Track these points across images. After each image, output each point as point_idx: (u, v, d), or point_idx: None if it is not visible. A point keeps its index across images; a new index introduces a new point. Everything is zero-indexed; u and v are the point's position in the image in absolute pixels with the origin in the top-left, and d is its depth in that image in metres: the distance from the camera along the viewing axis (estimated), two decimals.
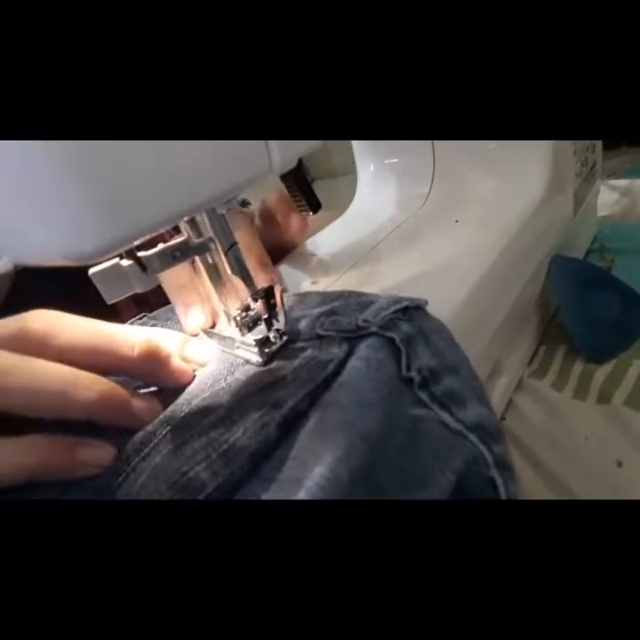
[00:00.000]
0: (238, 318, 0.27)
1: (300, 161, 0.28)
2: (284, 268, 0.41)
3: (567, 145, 0.47)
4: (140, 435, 0.23)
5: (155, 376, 0.26)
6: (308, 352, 0.26)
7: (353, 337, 0.26)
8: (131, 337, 0.25)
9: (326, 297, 0.30)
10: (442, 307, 0.28)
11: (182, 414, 0.24)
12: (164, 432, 0.23)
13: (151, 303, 0.38)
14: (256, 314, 0.27)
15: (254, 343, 0.27)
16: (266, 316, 0.27)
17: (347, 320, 0.27)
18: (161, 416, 0.25)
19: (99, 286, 0.22)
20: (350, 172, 0.54)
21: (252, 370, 0.26)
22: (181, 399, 0.25)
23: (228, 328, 0.29)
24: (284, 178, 0.37)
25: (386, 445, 0.21)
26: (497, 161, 0.46)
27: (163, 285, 0.31)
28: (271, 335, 0.27)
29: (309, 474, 0.18)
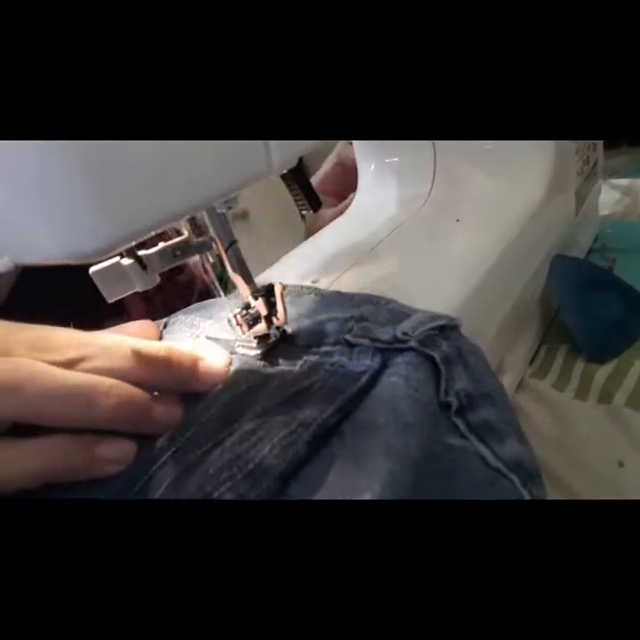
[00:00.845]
0: (238, 316, 0.27)
1: (301, 160, 0.28)
2: (285, 267, 0.41)
3: (569, 144, 0.46)
4: (160, 441, 0.22)
5: (180, 383, 0.25)
6: (336, 358, 0.25)
7: (387, 349, 0.24)
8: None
9: (353, 299, 0.29)
10: (443, 306, 0.28)
11: (202, 421, 0.23)
12: (183, 440, 0.22)
13: (155, 302, 0.38)
14: (256, 312, 0.27)
15: (254, 340, 0.27)
16: (266, 313, 0.27)
17: (381, 330, 0.25)
18: (180, 422, 0.23)
19: (99, 285, 0.22)
20: None
21: (274, 373, 0.25)
22: (200, 405, 0.24)
23: (227, 326, 0.29)
24: (284, 177, 0.37)
25: (424, 474, 0.20)
26: (498, 160, 0.46)
27: None
28: (271, 333, 0.27)
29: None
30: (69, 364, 0.21)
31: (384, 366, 0.23)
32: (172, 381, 0.24)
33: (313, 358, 0.25)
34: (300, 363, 0.25)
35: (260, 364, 0.26)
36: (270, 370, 0.25)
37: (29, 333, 0.22)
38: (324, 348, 0.26)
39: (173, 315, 0.32)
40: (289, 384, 0.24)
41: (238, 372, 0.26)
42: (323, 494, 0.19)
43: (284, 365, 0.25)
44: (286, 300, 0.31)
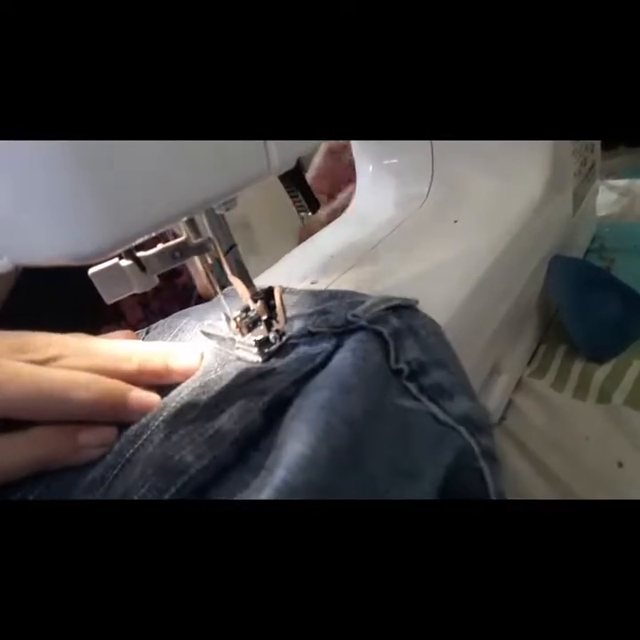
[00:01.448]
0: (238, 319, 0.27)
1: (299, 161, 0.28)
2: (284, 268, 0.41)
3: (566, 145, 0.47)
4: (134, 427, 0.24)
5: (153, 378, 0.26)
6: (299, 347, 0.27)
7: (342, 332, 0.26)
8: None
9: (320, 297, 0.31)
10: (442, 307, 0.28)
11: (174, 405, 0.24)
12: (156, 423, 0.24)
13: (152, 307, 0.38)
14: (256, 315, 0.27)
15: (254, 344, 0.27)
16: (265, 316, 0.27)
17: (336, 317, 0.27)
18: (155, 409, 0.25)
19: (98, 286, 0.22)
20: None
21: (243, 364, 0.27)
22: (174, 391, 0.26)
23: (227, 329, 0.29)
24: (282, 178, 0.37)
25: (374, 433, 0.21)
26: (496, 161, 0.46)
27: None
28: (271, 336, 0.27)
29: (290, 451, 0.19)
30: (48, 362, 0.23)
31: (338, 346, 0.26)
32: (144, 378, 0.25)
33: (280, 351, 0.27)
34: (267, 353, 0.27)
35: (232, 356, 0.28)
36: (240, 363, 0.27)
37: (10, 338, 0.23)
38: (290, 341, 0.28)
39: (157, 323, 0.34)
40: (254, 370, 0.26)
41: (211, 365, 0.27)
42: (273, 454, 0.20)
43: (253, 356, 0.27)
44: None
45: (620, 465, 0.34)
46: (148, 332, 0.33)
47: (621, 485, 0.32)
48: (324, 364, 0.25)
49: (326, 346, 0.25)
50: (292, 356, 0.26)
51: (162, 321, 0.35)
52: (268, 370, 0.25)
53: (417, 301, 0.28)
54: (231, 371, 0.26)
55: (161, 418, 0.24)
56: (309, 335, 0.27)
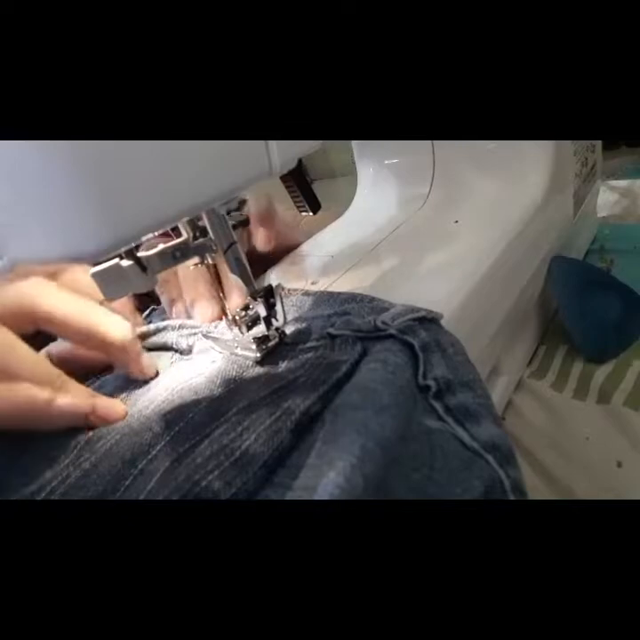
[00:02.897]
0: (237, 317, 0.27)
1: (300, 161, 0.28)
2: (284, 269, 0.41)
3: (567, 145, 0.47)
4: (146, 436, 0.23)
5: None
6: (320, 352, 0.25)
7: (368, 337, 0.25)
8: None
9: (338, 298, 0.30)
10: (442, 307, 0.28)
11: (191, 416, 0.23)
12: (171, 434, 0.23)
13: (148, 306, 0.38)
14: (255, 313, 0.27)
15: (253, 341, 0.27)
16: (265, 314, 0.27)
17: (362, 321, 0.26)
18: (167, 416, 0.24)
19: (99, 286, 0.22)
20: (350, 172, 0.54)
21: (262, 371, 0.26)
22: (189, 399, 0.25)
23: (227, 327, 0.29)
24: (283, 178, 0.37)
25: (400, 454, 0.20)
26: (497, 161, 0.46)
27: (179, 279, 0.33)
28: (270, 334, 0.27)
29: (323, 480, 0.18)
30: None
31: (364, 354, 0.24)
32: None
33: (299, 354, 0.26)
34: (286, 360, 0.26)
35: (250, 363, 0.27)
36: (259, 368, 0.26)
37: None
38: (309, 344, 0.27)
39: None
40: (275, 379, 0.24)
41: (228, 372, 0.26)
42: (303, 476, 0.19)
43: (272, 363, 0.26)
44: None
45: (620, 465, 0.34)
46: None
47: (621, 485, 0.32)
48: (349, 374, 0.23)
49: (351, 353, 0.24)
50: (313, 361, 0.25)
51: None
52: (291, 380, 0.24)
53: (442, 315, 0.27)
54: (250, 378, 0.25)
55: (177, 428, 0.23)
56: (330, 338, 0.26)
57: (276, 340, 0.27)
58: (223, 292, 0.29)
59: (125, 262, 0.23)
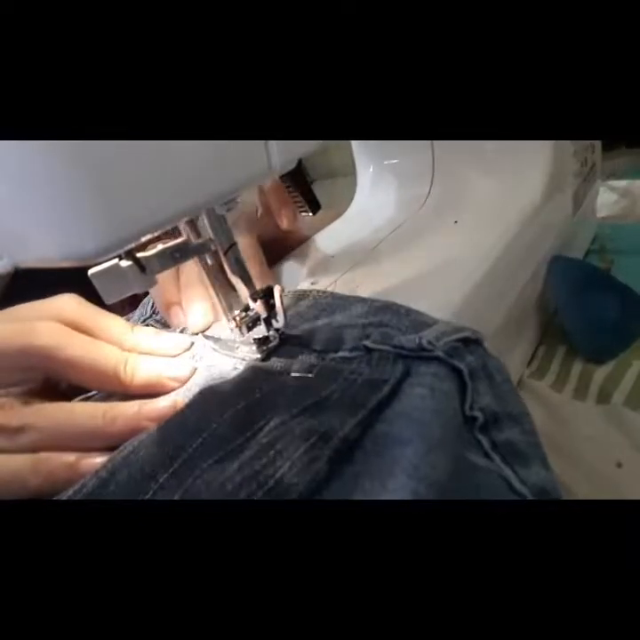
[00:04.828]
0: (237, 318, 0.27)
1: (300, 162, 0.28)
2: (284, 269, 0.41)
3: (567, 145, 0.47)
4: (168, 447, 0.21)
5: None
6: (355, 365, 0.24)
7: (410, 356, 0.23)
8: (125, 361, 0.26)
9: (372, 305, 0.28)
10: (442, 307, 0.28)
11: (214, 427, 0.22)
12: (194, 446, 0.21)
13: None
14: (255, 314, 0.27)
15: (253, 342, 0.27)
16: (265, 315, 0.27)
17: (405, 337, 0.24)
18: (189, 424, 0.22)
19: (98, 287, 0.22)
20: (349, 173, 0.54)
21: (289, 380, 0.24)
22: (212, 406, 0.23)
23: (227, 328, 0.29)
24: (283, 179, 0.37)
25: (448, 494, 0.19)
26: (496, 162, 0.46)
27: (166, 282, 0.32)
28: (270, 334, 0.27)
29: None
30: (17, 433, 0.23)
31: (406, 375, 0.22)
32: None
33: (330, 365, 0.24)
34: (316, 369, 0.24)
35: (275, 370, 0.25)
36: (285, 376, 0.24)
37: None
38: (341, 354, 0.25)
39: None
40: (306, 392, 0.22)
41: (252, 379, 0.25)
42: None
43: (300, 372, 0.25)
44: (303, 302, 0.30)
45: (620, 465, 0.33)
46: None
47: (621, 485, 0.32)
48: (391, 396, 0.21)
49: (392, 372, 0.22)
50: (347, 375, 0.23)
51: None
52: (324, 396, 0.22)
53: (485, 337, 0.25)
54: (277, 389, 0.23)
55: (200, 439, 0.21)
56: (365, 351, 0.24)
57: (277, 341, 0.27)
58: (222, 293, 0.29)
59: (125, 263, 0.23)
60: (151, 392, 0.26)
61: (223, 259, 0.27)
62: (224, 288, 0.28)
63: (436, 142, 0.48)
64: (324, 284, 0.36)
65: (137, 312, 0.38)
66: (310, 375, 0.24)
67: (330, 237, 0.45)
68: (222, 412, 0.22)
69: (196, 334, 0.31)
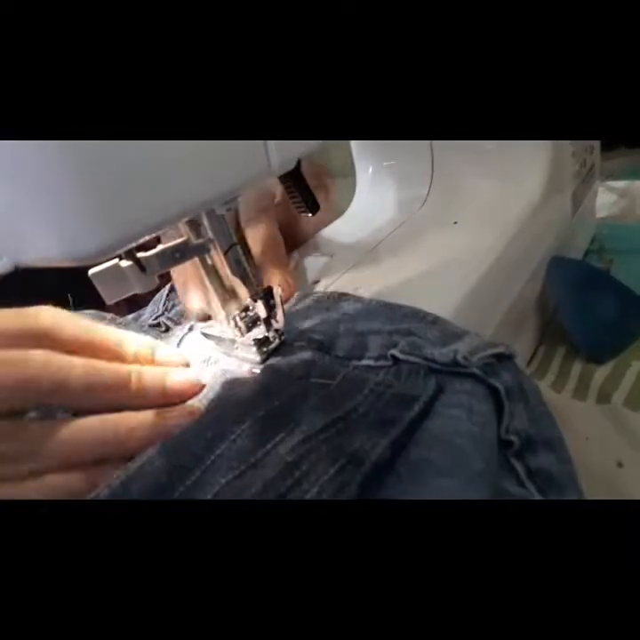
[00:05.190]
0: (237, 318, 0.27)
1: (299, 162, 0.28)
2: None
3: (566, 146, 0.47)
4: (184, 458, 0.20)
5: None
6: (381, 377, 0.22)
7: (443, 371, 0.22)
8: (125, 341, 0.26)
9: (398, 311, 0.27)
10: (441, 307, 0.28)
11: (233, 438, 0.20)
12: (212, 458, 0.20)
13: (142, 307, 0.38)
14: (255, 314, 0.27)
15: (253, 343, 0.27)
16: (265, 316, 0.27)
17: (439, 350, 0.22)
18: (206, 432, 0.21)
19: (98, 287, 0.22)
20: (349, 173, 0.54)
21: (313, 389, 0.22)
22: (229, 412, 0.22)
23: (226, 329, 0.29)
24: (282, 179, 0.37)
25: None
26: (495, 162, 0.46)
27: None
28: (270, 335, 0.27)
29: None
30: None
31: (439, 392, 0.21)
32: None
33: (354, 372, 0.23)
34: (339, 377, 0.23)
35: (294, 374, 0.24)
36: (305, 382, 0.23)
37: None
38: (365, 362, 0.24)
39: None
40: (329, 403, 0.21)
41: (271, 384, 0.23)
42: None
43: (321, 378, 0.23)
44: (323, 305, 0.29)
45: (620, 465, 0.34)
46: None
47: (621, 485, 0.32)
48: (423, 415, 0.20)
49: (423, 387, 0.21)
50: (373, 387, 0.22)
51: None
52: (349, 409, 0.21)
53: (516, 354, 0.23)
54: (298, 396, 0.22)
55: (217, 451, 0.20)
56: (392, 360, 0.23)
57: (277, 342, 0.27)
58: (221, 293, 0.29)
59: (125, 263, 0.23)
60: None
61: (223, 259, 0.27)
62: (223, 288, 0.28)
63: (435, 143, 0.48)
64: (324, 284, 0.36)
65: (148, 309, 0.38)
66: (331, 382, 0.23)
67: (329, 238, 0.45)
68: (240, 421, 0.21)
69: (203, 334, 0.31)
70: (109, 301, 0.23)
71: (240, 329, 0.27)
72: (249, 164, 0.22)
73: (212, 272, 0.28)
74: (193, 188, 0.21)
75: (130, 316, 0.37)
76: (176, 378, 0.25)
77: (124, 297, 0.23)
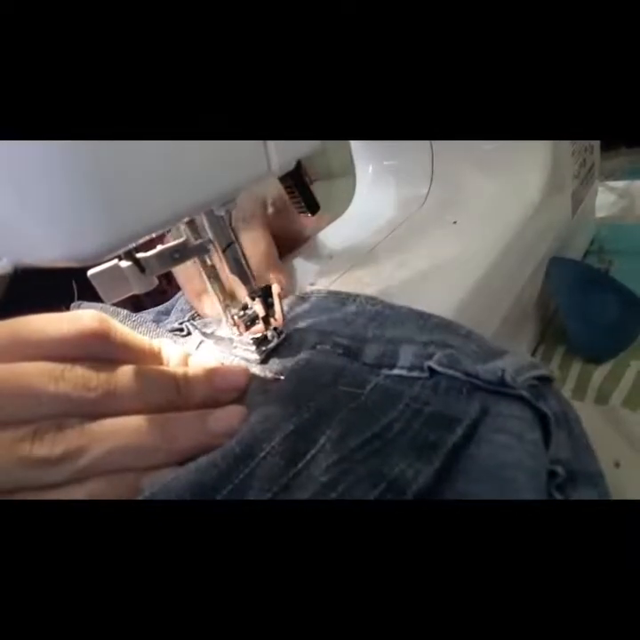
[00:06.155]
0: (236, 317, 0.27)
1: (299, 163, 0.28)
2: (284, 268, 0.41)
3: (566, 146, 0.47)
4: (210, 474, 0.19)
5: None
6: (417, 391, 0.21)
7: (487, 390, 0.20)
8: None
9: (429, 320, 0.25)
10: (440, 308, 0.28)
11: (262, 455, 0.19)
12: (240, 477, 0.19)
13: (146, 307, 0.38)
14: (253, 313, 0.27)
15: (252, 342, 0.27)
16: (263, 314, 0.27)
17: (483, 368, 0.21)
18: (235, 448, 0.20)
19: (97, 287, 0.22)
20: (349, 173, 0.54)
21: (343, 398, 0.21)
22: (259, 430, 0.20)
23: (225, 328, 0.29)
24: (282, 180, 0.37)
25: None
26: (495, 162, 0.46)
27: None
28: (269, 334, 0.27)
29: None
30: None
31: (483, 414, 0.20)
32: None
33: (385, 382, 0.22)
34: (369, 386, 0.22)
35: (321, 381, 0.22)
36: (334, 389, 0.22)
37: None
38: (396, 371, 0.22)
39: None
40: (362, 417, 0.20)
41: (300, 392, 0.22)
42: None
43: (349, 386, 0.22)
44: (349, 309, 0.28)
45: (618, 465, 0.34)
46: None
47: (619, 486, 0.32)
48: (467, 438, 0.19)
49: (466, 407, 0.20)
50: (408, 402, 0.20)
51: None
52: (384, 425, 0.19)
53: (554, 378, 0.21)
54: (327, 407, 0.21)
55: (246, 469, 0.19)
56: (428, 375, 0.21)
57: (275, 341, 0.27)
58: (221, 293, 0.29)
59: (124, 263, 0.23)
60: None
61: (222, 257, 0.27)
62: (222, 287, 0.28)
63: (435, 143, 0.48)
64: (323, 284, 0.36)
65: (172, 317, 0.35)
66: (361, 391, 0.21)
67: (329, 238, 0.46)
68: (270, 436, 0.20)
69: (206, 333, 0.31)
70: (109, 302, 0.23)
71: (238, 328, 0.28)
72: (249, 165, 0.22)
73: (212, 272, 0.28)
74: (193, 188, 0.21)
75: (146, 314, 0.36)
76: (222, 372, 0.25)
77: (123, 297, 0.23)
